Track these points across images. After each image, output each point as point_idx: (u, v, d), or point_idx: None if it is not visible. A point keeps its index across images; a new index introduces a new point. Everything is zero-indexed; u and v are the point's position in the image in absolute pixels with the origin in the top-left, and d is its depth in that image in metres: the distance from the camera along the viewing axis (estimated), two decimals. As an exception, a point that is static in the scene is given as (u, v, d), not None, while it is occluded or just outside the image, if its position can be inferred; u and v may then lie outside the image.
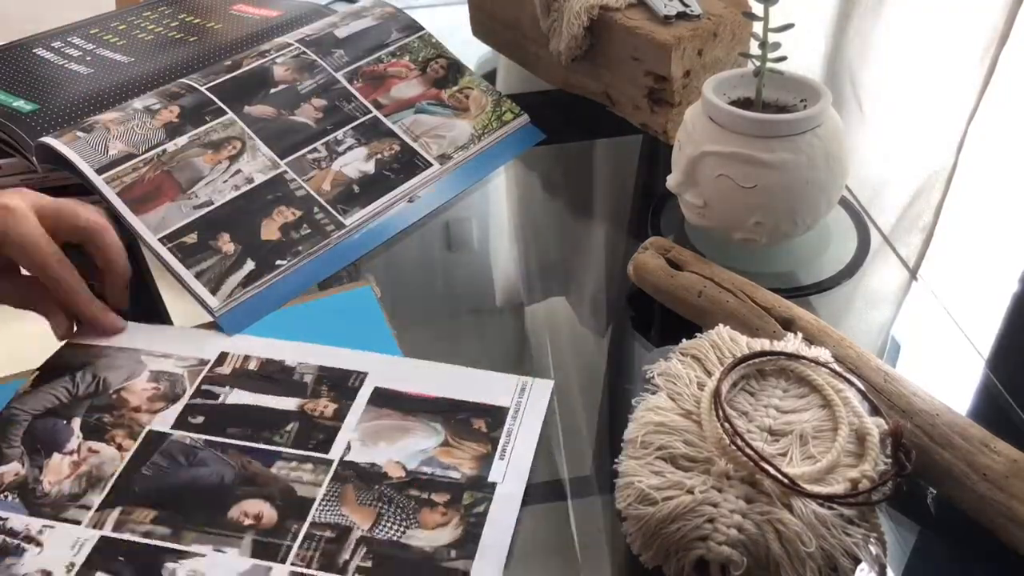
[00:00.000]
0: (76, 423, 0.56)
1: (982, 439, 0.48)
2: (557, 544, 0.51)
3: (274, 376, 0.59)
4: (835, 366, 0.49)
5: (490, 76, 0.93)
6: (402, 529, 0.49)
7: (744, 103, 0.63)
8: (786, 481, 0.42)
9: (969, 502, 0.47)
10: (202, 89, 0.75)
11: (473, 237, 0.76)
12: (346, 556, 0.48)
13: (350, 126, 0.77)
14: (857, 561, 0.42)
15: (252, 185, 0.70)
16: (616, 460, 0.47)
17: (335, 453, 0.53)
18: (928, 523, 0.45)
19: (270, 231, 0.68)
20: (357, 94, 0.80)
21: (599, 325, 0.67)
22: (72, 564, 0.48)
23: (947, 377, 0.60)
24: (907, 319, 0.65)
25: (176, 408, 0.57)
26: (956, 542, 0.49)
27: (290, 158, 0.73)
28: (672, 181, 0.64)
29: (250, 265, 0.66)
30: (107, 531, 0.50)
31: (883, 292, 0.67)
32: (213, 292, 0.64)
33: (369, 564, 0.47)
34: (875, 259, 0.67)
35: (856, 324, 0.64)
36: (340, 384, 0.58)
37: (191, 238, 0.66)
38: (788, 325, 0.55)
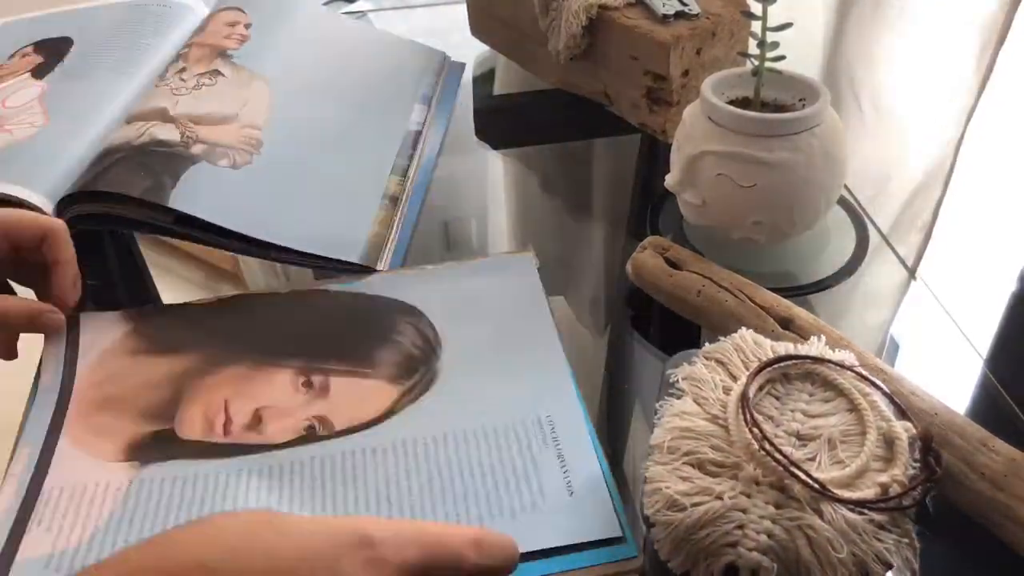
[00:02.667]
0: None
1: (980, 438, 0.48)
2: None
3: None
4: (861, 370, 0.48)
5: (489, 75, 0.93)
6: None
7: (743, 102, 0.63)
8: (816, 486, 0.42)
9: (968, 501, 0.47)
10: None
11: (472, 236, 0.76)
12: None
13: None
14: (889, 567, 0.42)
15: None
16: (643, 465, 0.46)
17: None
18: (926, 522, 0.45)
19: None
20: None
21: (598, 324, 0.67)
22: None
23: (946, 376, 0.60)
24: (906, 318, 0.65)
25: None
26: (955, 542, 0.49)
27: None
28: (671, 180, 0.64)
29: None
30: None
31: (882, 291, 0.67)
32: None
33: None
34: (874, 258, 0.67)
35: (855, 323, 0.64)
36: None
37: None
38: (787, 324, 0.55)
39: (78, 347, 0.59)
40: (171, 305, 0.63)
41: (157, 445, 0.53)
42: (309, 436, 0.54)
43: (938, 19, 0.73)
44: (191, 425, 0.54)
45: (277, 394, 0.56)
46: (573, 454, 0.52)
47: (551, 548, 0.47)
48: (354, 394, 0.56)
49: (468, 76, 0.91)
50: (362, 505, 0.50)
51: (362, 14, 1.06)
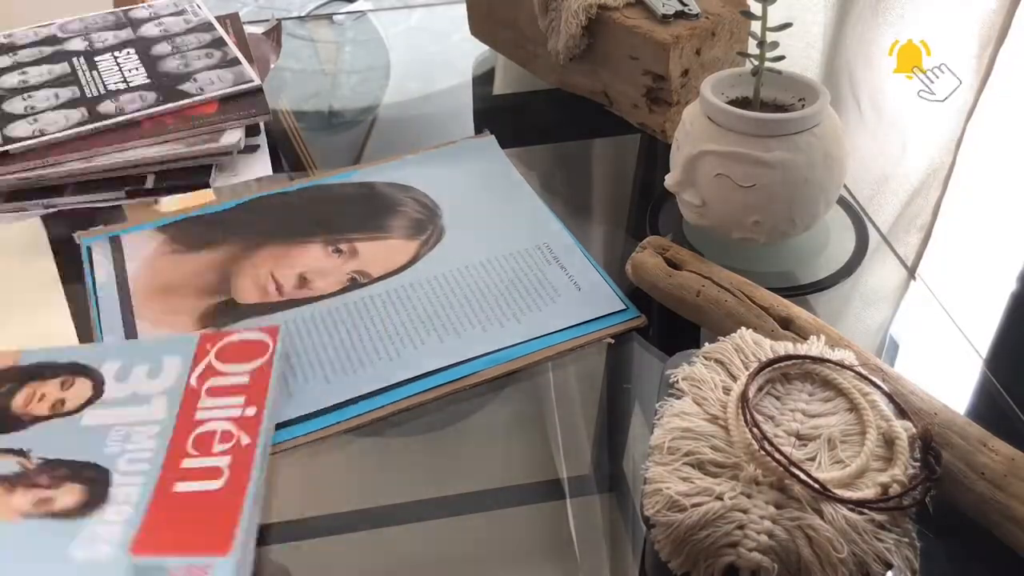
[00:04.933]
0: None
1: (980, 438, 0.48)
2: (557, 544, 0.51)
3: None
4: (860, 369, 0.48)
5: (488, 75, 0.93)
6: None
7: (742, 102, 0.63)
8: (816, 486, 0.42)
9: (967, 501, 0.47)
10: None
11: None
12: None
13: None
14: (889, 566, 0.42)
15: None
16: (644, 466, 0.47)
17: None
18: (926, 522, 0.45)
19: None
20: None
21: (597, 324, 0.67)
22: None
23: (945, 376, 0.60)
24: (905, 318, 0.65)
25: None
26: (954, 541, 0.49)
27: None
28: (670, 180, 0.64)
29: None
30: None
31: (881, 291, 0.67)
32: None
33: None
34: (873, 258, 0.67)
35: (854, 323, 0.64)
36: None
37: None
38: (786, 324, 0.55)
39: (123, 255, 0.67)
40: (196, 216, 0.71)
41: (223, 312, 0.63)
42: (353, 285, 0.65)
43: (938, 19, 0.73)
44: (247, 293, 0.64)
45: (314, 261, 0.67)
46: (572, 265, 0.66)
47: (576, 324, 0.61)
48: (380, 251, 0.68)
49: (468, 77, 0.91)
50: (419, 324, 0.61)
51: (361, 14, 1.06)
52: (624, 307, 0.62)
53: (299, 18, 1.04)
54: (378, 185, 0.75)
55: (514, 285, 0.64)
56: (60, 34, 0.90)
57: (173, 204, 0.73)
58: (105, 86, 0.82)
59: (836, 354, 0.49)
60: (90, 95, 0.81)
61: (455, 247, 0.68)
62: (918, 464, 0.44)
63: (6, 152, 0.74)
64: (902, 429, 0.45)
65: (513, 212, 0.72)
